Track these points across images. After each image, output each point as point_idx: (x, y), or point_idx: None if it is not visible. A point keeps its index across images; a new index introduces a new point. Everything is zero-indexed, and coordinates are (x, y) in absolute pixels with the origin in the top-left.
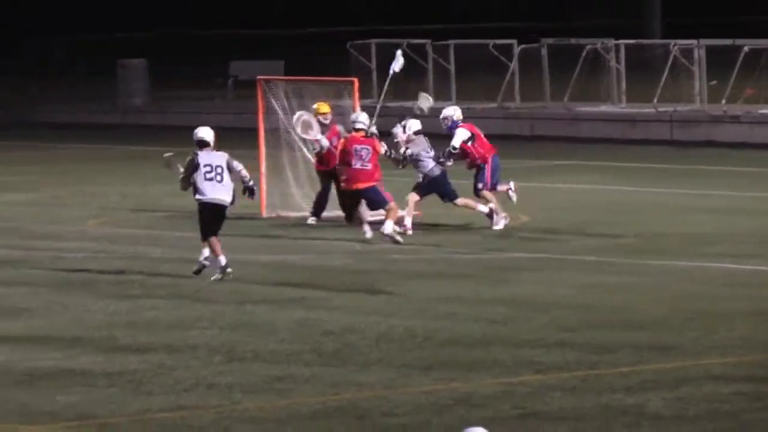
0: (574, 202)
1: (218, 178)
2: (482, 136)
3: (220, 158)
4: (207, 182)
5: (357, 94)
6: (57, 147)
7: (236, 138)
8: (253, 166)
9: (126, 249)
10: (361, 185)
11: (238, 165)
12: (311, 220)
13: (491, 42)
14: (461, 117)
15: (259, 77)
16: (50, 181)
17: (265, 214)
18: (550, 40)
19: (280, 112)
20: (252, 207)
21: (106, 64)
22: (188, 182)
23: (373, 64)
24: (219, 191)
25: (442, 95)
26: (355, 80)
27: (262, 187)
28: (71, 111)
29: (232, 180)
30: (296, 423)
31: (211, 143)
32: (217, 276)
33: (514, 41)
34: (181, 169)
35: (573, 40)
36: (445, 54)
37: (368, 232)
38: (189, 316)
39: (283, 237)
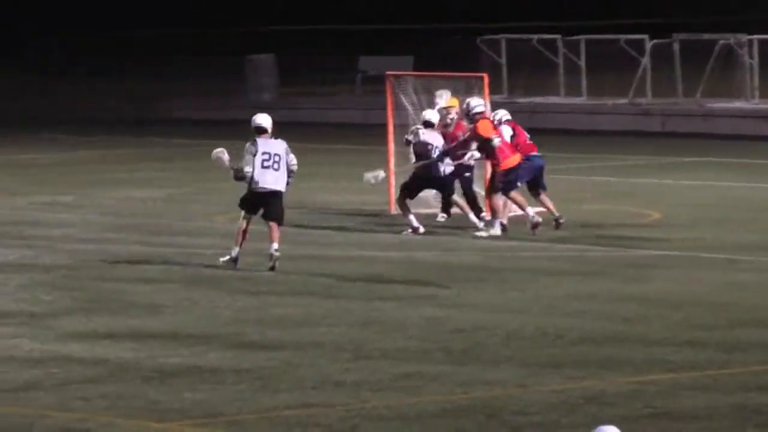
0: (705, 199)
1: (275, 166)
2: (522, 133)
3: (278, 146)
4: (263, 170)
5: (487, 90)
6: (188, 143)
7: (365, 134)
8: (382, 162)
9: (254, 245)
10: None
11: (293, 159)
12: (441, 218)
13: (623, 37)
14: (503, 117)
15: (388, 72)
16: (181, 176)
17: (393, 210)
18: (682, 36)
19: (409, 107)
20: (380, 204)
21: (234, 59)
22: (243, 173)
23: (503, 60)
24: (275, 180)
25: (572, 91)
26: (485, 76)
27: (391, 183)
28: (201, 107)
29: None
30: (424, 421)
31: (269, 130)
32: (223, 259)
33: (646, 36)
34: (230, 163)
35: (705, 36)
36: (576, 49)
37: (498, 229)
38: (317, 312)
39: (412, 233)
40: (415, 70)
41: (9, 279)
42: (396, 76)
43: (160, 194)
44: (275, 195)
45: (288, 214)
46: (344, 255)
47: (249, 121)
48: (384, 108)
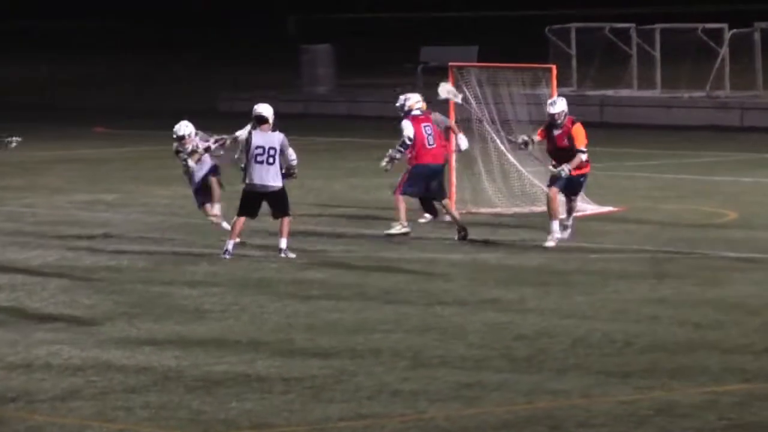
0: None
1: (270, 160)
2: (425, 137)
3: (275, 140)
4: (257, 165)
5: (555, 82)
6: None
7: None
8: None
9: (306, 246)
10: None
11: (292, 153)
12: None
13: (700, 26)
14: (416, 106)
15: (451, 63)
16: (230, 174)
17: (455, 209)
18: (764, 24)
19: (472, 101)
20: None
21: (291, 49)
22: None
23: (573, 51)
24: (268, 176)
25: (646, 83)
26: (554, 67)
27: (452, 182)
28: (253, 100)
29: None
30: None
31: (270, 121)
32: (224, 256)
33: (725, 25)
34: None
35: None
36: (651, 39)
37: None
38: (373, 318)
39: (474, 234)
40: (479, 61)
41: (47, 282)
42: (459, 68)
43: None
44: (276, 195)
45: (343, 215)
46: (402, 257)
47: (304, 115)
48: (446, 101)
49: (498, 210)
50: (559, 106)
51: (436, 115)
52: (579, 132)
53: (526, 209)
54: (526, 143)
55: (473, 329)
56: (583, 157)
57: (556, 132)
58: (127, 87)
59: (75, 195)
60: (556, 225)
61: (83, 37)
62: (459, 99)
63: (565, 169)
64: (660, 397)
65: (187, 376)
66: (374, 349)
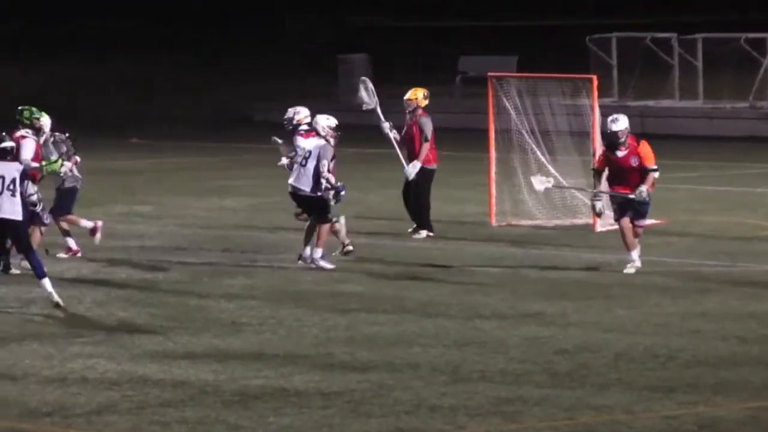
0: None
1: (303, 162)
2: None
3: (311, 143)
4: (294, 165)
5: (596, 93)
6: (272, 149)
7: (464, 139)
8: (483, 170)
9: (342, 259)
10: None
11: (323, 166)
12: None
13: (743, 36)
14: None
15: (490, 74)
16: (266, 184)
17: (494, 222)
18: None
19: (512, 111)
20: (480, 215)
21: (328, 58)
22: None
23: (614, 60)
24: (298, 179)
25: (688, 93)
26: (594, 77)
27: (492, 193)
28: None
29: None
30: None
31: (319, 131)
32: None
33: None
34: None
35: None
36: (693, 49)
37: None
38: (411, 331)
39: (514, 247)
40: (518, 71)
41: (83, 294)
42: (498, 78)
43: (244, 204)
44: (305, 200)
45: (381, 227)
46: (441, 269)
47: (352, 125)
48: (485, 112)
49: (538, 222)
50: (621, 122)
51: (424, 119)
52: (647, 150)
53: (567, 222)
54: (596, 210)
55: (513, 343)
56: (656, 175)
57: (621, 153)
58: (156, 94)
59: (110, 207)
60: (635, 254)
61: (96, 39)
62: (551, 183)
63: (644, 191)
64: (704, 413)
65: (224, 391)
66: (413, 363)
